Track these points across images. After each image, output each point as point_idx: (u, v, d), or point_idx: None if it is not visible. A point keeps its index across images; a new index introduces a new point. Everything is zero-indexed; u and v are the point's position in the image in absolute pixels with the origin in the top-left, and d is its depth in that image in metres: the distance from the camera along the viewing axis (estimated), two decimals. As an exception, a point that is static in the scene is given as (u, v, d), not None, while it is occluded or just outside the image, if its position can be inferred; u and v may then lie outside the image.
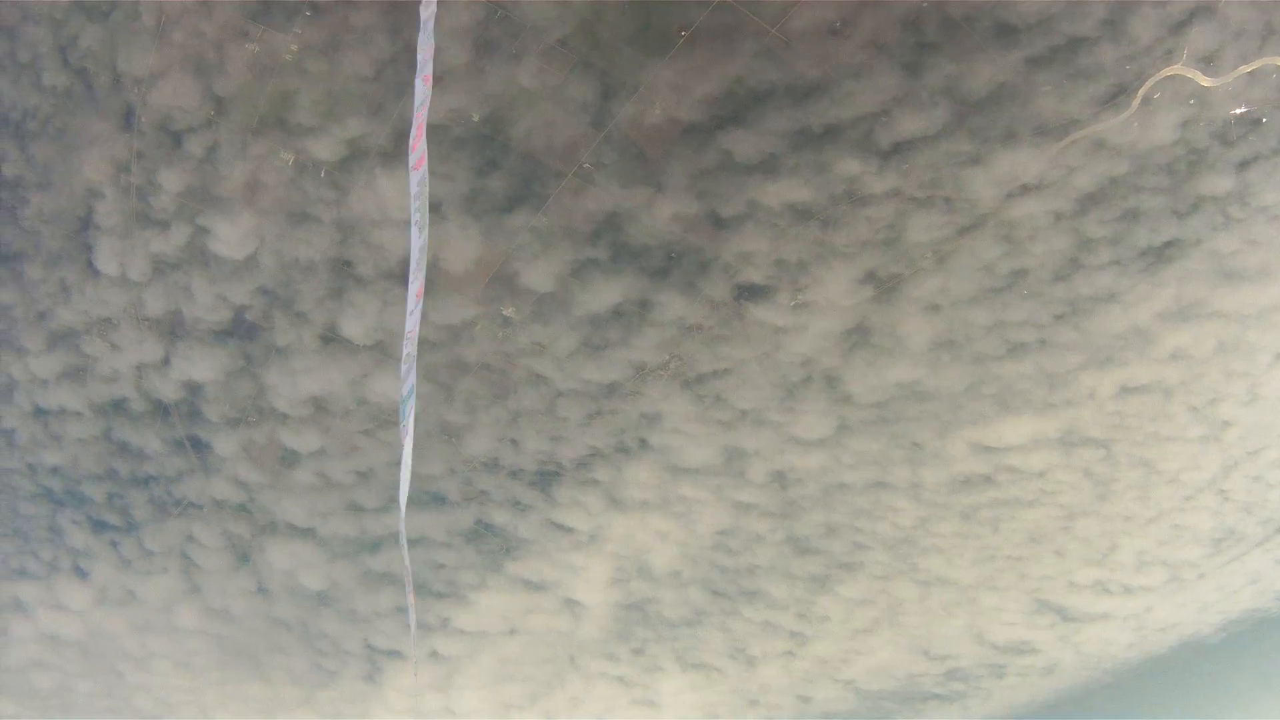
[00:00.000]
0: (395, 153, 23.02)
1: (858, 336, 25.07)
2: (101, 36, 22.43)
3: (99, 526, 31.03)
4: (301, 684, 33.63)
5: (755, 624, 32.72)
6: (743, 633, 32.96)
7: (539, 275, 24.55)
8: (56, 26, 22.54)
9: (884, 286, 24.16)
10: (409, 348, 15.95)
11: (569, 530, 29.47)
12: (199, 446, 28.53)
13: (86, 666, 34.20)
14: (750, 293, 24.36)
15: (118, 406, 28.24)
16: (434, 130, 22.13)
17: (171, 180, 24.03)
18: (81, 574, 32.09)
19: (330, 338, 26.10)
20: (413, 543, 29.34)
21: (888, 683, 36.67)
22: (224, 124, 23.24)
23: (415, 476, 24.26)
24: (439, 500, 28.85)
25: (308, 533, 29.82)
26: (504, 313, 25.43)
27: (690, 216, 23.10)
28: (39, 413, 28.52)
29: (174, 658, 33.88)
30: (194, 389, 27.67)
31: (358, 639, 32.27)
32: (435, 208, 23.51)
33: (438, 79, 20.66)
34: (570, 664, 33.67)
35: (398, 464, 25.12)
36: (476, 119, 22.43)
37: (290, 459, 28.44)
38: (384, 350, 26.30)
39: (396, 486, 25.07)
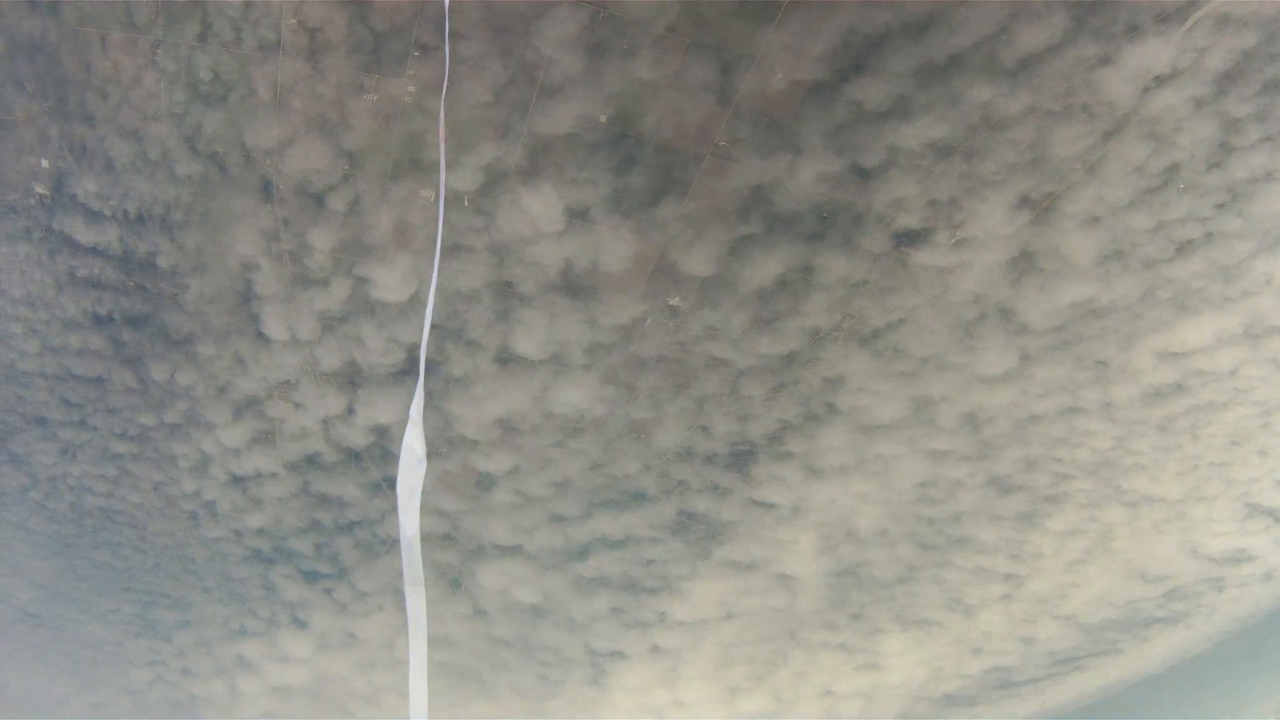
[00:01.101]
0: (532, 169, 24.77)
1: (1023, 263, 25.67)
2: (224, 119, 24.59)
3: (311, 577, 33.89)
4: (528, 697, 35.91)
5: (968, 572, 33.43)
6: (957, 582, 33.75)
7: (698, 260, 25.86)
8: (178, 120, 24.82)
9: (1039, 208, 24.59)
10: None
11: (771, 506, 30.59)
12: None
13: (317, 710, 37.06)
14: (908, 238, 25.12)
15: (311, 461, 30.80)
16: (566, 140, 24.20)
17: (321, 239, 26.43)
18: (300, 624, 35.05)
19: (505, 358, 28.05)
20: (620, 543, 31.79)
21: (1109, 612, 37.25)
22: (360, 176, 25.43)
23: (613, 478, 27.63)
24: (639, 498, 30.31)
25: (515, 550, 31.99)
26: (671, 303, 26.77)
27: (834, 174, 23.92)
28: (236, 480, 31.08)
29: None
30: (381, 431, 29.95)
31: (578, 645, 34.18)
32: (583, 213, 25.32)
33: (558, 90, 23.64)
34: (791, 639, 34.79)
35: (593, 469, 27.95)
36: (604, 120, 23.88)
37: (486, 482, 30.56)
38: (560, 361, 28.12)
39: (594, 493, 28.29)
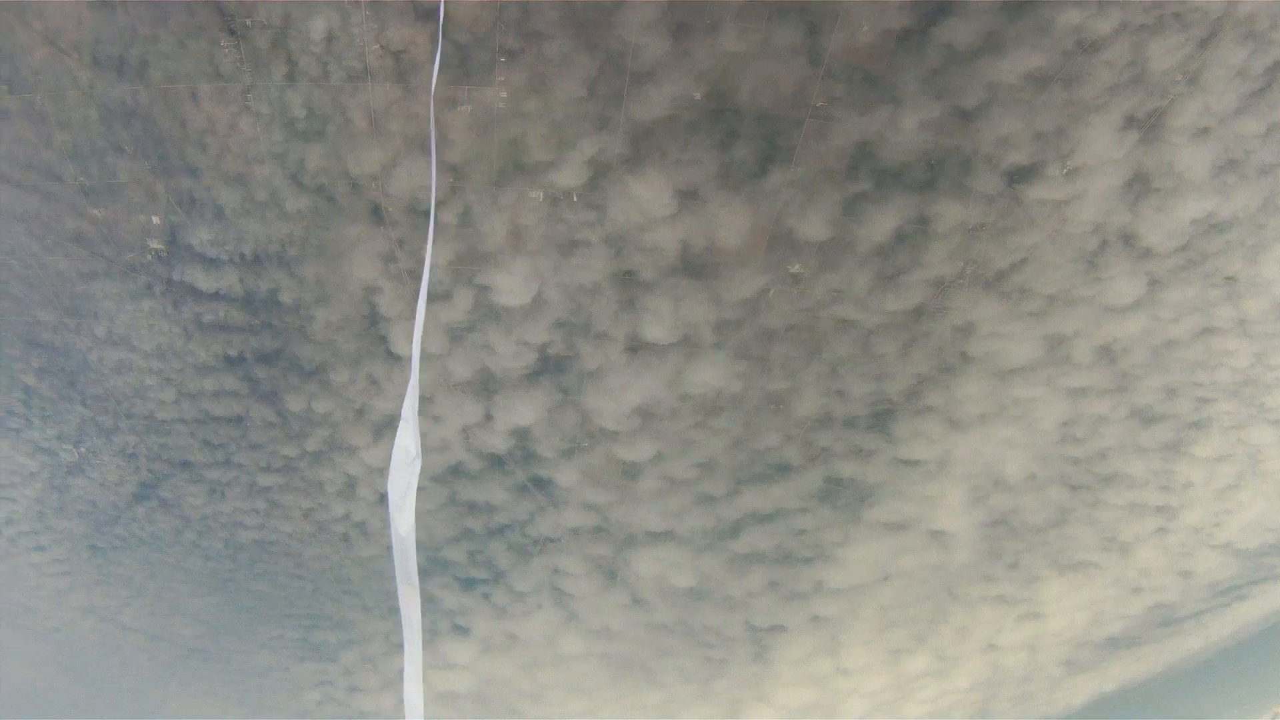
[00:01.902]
0: (636, 156, 25.85)
1: (1138, 185, 25.96)
2: (325, 152, 26.07)
3: (468, 584, 35.78)
4: (693, 680, 37.21)
5: (1120, 508, 33.74)
6: (1110, 520, 34.12)
7: (813, 225, 26.70)
8: (280, 159, 26.45)
9: (1146, 125, 24.78)
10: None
11: (916, 463, 31.32)
12: (542, 485, 32.68)
13: (485, 714, 38.84)
14: (1020, 175, 25.50)
15: (455, 471, 32.70)
16: (665, 123, 25.26)
17: (438, 254, 27.74)
18: (462, 631, 36.95)
19: (635, 346, 29.29)
20: (770, 516, 32.81)
21: (1266, 537, 36.97)
22: (467, 187, 26.75)
23: (756, 452, 29.39)
24: (784, 469, 31.38)
25: (666, 535, 33.27)
26: (792, 271, 27.64)
27: (936, 120, 24.52)
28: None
29: (566, 686, 37.92)
30: (521, 434, 31.66)
31: (739, 623, 35.29)
32: (693, 193, 26.30)
33: (648, 75, 24.74)
34: (949, 595, 35.51)
35: (735, 446, 29.49)
36: (699, 97, 24.69)
37: (631, 471, 31.97)
38: (690, 342, 29.23)
39: (739, 469, 29.84)
